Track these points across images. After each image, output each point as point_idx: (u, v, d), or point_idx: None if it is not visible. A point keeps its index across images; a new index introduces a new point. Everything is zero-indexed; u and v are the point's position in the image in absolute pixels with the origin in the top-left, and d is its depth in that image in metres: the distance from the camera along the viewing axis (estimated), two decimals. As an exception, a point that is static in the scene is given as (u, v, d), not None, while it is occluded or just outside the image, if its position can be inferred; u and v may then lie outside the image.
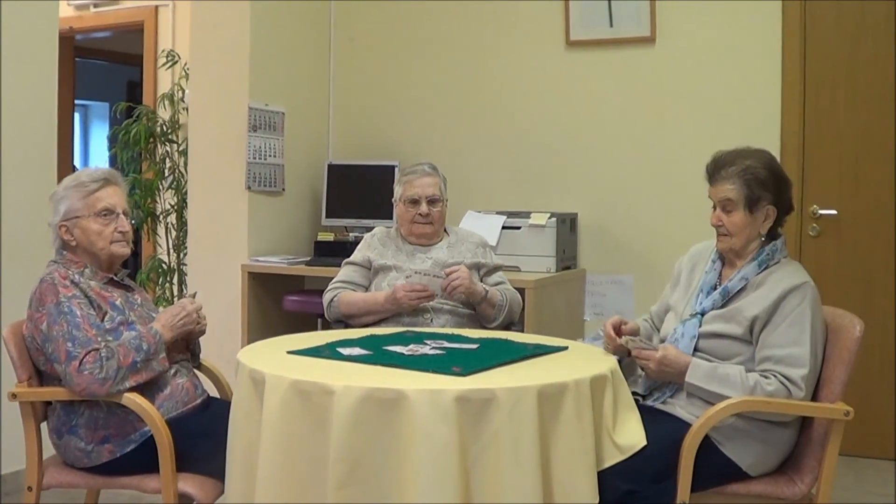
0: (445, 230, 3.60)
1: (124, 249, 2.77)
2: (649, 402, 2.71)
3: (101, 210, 2.72)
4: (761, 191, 2.67)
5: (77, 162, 9.69)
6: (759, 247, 2.71)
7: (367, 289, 3.47)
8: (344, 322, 3.42)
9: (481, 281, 3.47)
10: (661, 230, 4.59)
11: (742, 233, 2.69)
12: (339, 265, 3.61)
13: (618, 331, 2.75)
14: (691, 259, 2.93)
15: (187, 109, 5.56)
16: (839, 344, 2.58)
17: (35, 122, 3.90)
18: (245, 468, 2.30)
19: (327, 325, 3.50)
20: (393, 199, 3.58)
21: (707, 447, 2.50)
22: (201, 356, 3.00)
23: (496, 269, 3.55)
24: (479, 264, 3.48)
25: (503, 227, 4.40)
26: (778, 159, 2.88)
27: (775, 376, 2.51)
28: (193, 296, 2.93)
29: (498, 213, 4.51)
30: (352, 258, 3.53)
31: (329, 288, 3.48)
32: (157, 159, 5.84)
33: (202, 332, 2.89)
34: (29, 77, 3.86)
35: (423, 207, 3.45)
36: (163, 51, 5.97)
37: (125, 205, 2.79)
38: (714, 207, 2.75)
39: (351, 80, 5.31)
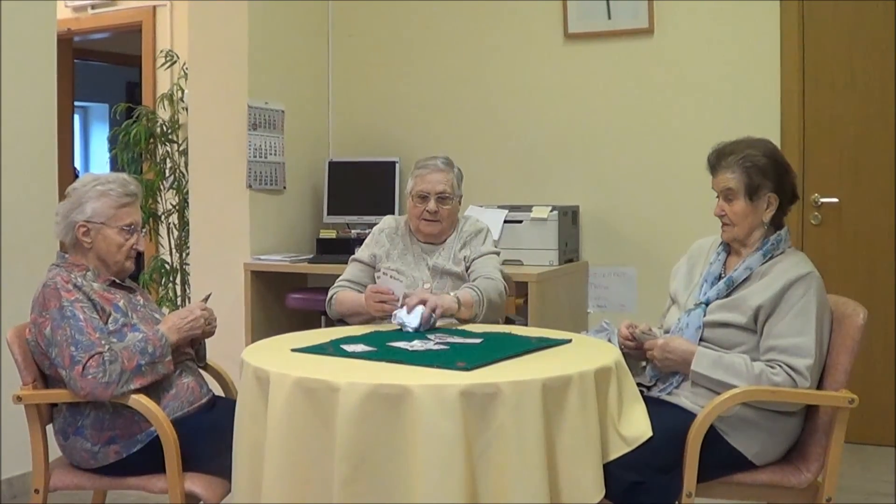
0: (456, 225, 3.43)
1: (132, 266, 2.84)
2: (654, 393, 2.71)
3: (128, 224, 2.76)
4: (761, 178, 2.67)
5: (78, 164, 9.69)
6: (763, 236, 2.71)
7: None
8: (343, 321, 3.37)
9: (467, 270, 3.31)
10: (663, 222, 4.58)
11: (744, 221, 2.70)
12: (342, 262, 3.56)
13: (631, 334, 2.76)
14: (691, 255, 2.94)
15: (187, 109, 5.56)
16: (843, 332, 2.58)
17: (35, 125, 3.90)
18: (251, 466, 2.30)
19: (330, 323, 3.48)
20: (407, 191, 3.44)
21: (712, 437, 2.50)
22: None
23: (480, 255, 3.32)
24: (459, 274, 3.30)
25: (505, 221, 4.39)
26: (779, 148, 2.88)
27: (781, 366, 2.51)
28: (207, 297, 2.92)
29: (499, 206, 4.51)
30: (358, 255, 3.43)
31: (333, 286, 3.45)
32: (158, 159, 5.84)
33: (211, 334, 2.89)
34: (28, 79, 3.86)
35: (432, 205, 3.31)
36: (161, 51, 5.97)
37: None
38: (718, 198, 2.75)
39: (350, 77, 5.30)
